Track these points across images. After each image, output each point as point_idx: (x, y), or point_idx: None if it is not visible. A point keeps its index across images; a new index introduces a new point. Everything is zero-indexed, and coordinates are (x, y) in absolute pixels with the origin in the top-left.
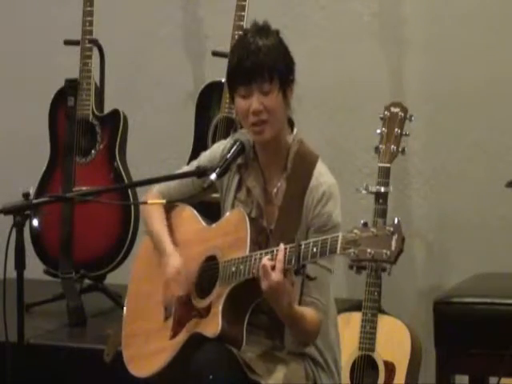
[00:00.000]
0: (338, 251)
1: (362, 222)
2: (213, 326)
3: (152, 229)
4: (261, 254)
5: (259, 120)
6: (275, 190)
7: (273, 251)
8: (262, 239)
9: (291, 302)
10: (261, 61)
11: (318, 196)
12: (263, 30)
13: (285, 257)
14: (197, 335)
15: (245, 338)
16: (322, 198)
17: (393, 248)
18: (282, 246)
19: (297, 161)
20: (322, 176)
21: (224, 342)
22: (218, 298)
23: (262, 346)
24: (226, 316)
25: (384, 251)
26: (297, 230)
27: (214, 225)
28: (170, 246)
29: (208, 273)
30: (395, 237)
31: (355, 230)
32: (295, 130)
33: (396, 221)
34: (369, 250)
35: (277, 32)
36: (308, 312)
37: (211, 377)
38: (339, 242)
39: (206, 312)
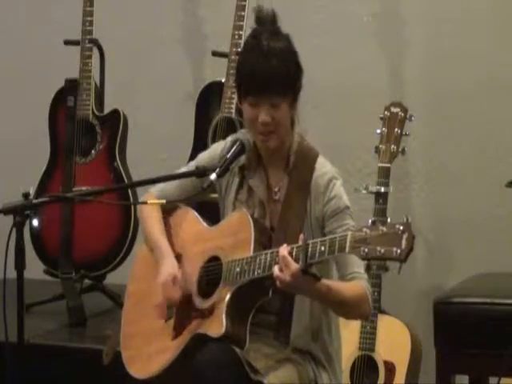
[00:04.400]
0: (347, 250)
1: (370, 220)
2: (217, 327)
3: (148, 232)
4: (265, 254)
5: (266, 131)
6: (278, 187)
7: (278, 251)
8: (265, 240)
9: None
10: (277, 75)
11: (324, 183)
12: (276, 35)
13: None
14: (199, 335)
15: (248, 338)
16: (328, 184)
17: (403, 246)
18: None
19: (299, 156)
20: (325, 166)
21: (227, 342)
22: (222, 298)
23: (267, 346)
24: (230, 316)
25: (394, 249)
26: (301, 225)
27: (216, 226)
28: (167, 248)
29: (210, 273)
30: (405, 235)
31: (364, 229)
32: (296, 127)
33: (406, 219)
34: (378, 248)
35: (287, 37)
36: (349, 287)
37: (213, 376)
38: (348, 240)
39: (208, 312)
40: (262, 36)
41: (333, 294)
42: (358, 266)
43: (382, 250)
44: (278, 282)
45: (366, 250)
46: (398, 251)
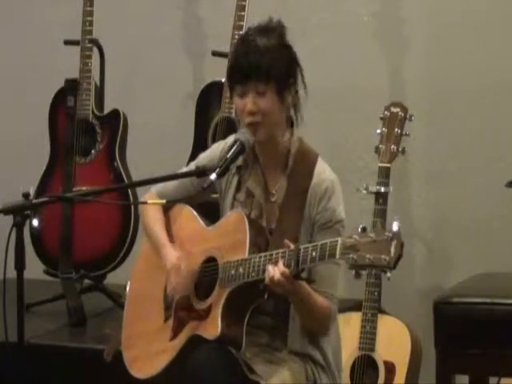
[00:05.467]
0: (337, 256)
1: (360, 226)
2: (212, 329)
3: (149, 229)
4: (260, 257)
5: (253, 121)
6: (276, 189)
7: (272, 254)
8: (261, 240)
9: (303, 295)
10: (258, 61)
11: (321, 192)
12: (265, 29)
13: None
14: (196, 337)
15: (244, 340)
16: (324, 193)
17: (392, 254)
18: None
19: (297, 159)
20: (324, 173)
21: (223, 344)
22: (218, 299)
23: (265, 347)
24: (225, 318)
25: (383, 257)
26: (298, 229)
27: (213, 226)
28: (167, 243)
29: (208, 274)
30: (394, 242)
31: (354, 235)
32: (295, 129)
33: (395, 226)
34: (368, 256)
35: (280, 33)
36: (320, 300)
37: (210, 377)
38: (338, 246)
39: (205, 314)
40: (250, 31)
41: (311, 300)
42: (332, 287)
43: (371, 258)
44: (269, 282)
45: (355, 257)
46: (387, 258)
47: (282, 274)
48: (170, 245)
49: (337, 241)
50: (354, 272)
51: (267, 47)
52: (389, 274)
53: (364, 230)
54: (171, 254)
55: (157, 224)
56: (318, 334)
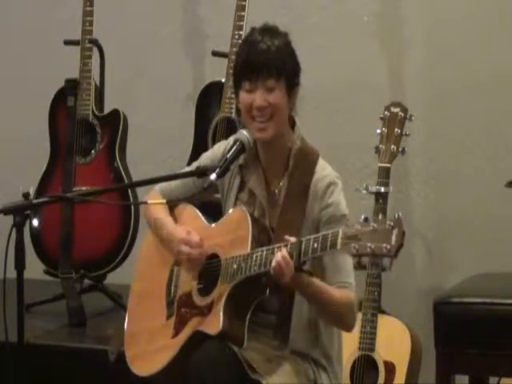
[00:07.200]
0: (339, 246)
1: (362, 216)
2: (214, 324)
3: (154, 218)
4: (262, 252)
5: (262, 115)
6: (278, 189)
7: (274, 248)
8: (263, 238)
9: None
10: (270, 58)
11: (324, 187)
12: (271, 30)
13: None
14: (198, 333)
15: (246, 336)
16: (327, 189)
17: (393, 242)
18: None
19: (298, 158)
20: (325, 170)
21: (225, 340)
22: (220, 296)
23: (266, 346)
24: (227, 314)
25: (384, 245)
26: (299, 227)
27: (215, 223)
28: (174, 225)
29: (210, 271)
30: (395, 231)
31: (356, 225)
32: (296, 128)
33: (397, 215)
34: (369, 245)
35: (285, 34)
36: (337, 293)
37: (211, 374)
38: (339, 236)
39: (207, 310)
40: (257, 31)
41: (322, 292)
42: (346, 275)
43: (372, 247)
44: (272, 273)
45: (357, 246)
46: (388, 247)
47: (283, 257)
48: (178, 226)
49: (338, 231)
50: (356, 263)
51: (277, 45)
52: (388, 262)
53: (366, 219)
54: (179, 228)
55: (161, 212)
56: (343, 329)
